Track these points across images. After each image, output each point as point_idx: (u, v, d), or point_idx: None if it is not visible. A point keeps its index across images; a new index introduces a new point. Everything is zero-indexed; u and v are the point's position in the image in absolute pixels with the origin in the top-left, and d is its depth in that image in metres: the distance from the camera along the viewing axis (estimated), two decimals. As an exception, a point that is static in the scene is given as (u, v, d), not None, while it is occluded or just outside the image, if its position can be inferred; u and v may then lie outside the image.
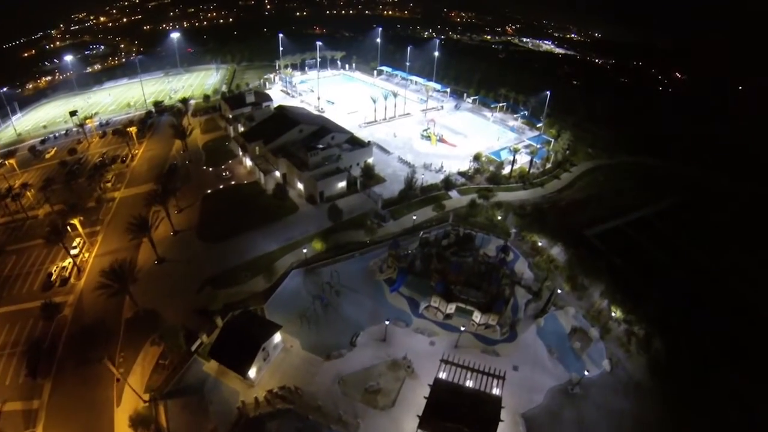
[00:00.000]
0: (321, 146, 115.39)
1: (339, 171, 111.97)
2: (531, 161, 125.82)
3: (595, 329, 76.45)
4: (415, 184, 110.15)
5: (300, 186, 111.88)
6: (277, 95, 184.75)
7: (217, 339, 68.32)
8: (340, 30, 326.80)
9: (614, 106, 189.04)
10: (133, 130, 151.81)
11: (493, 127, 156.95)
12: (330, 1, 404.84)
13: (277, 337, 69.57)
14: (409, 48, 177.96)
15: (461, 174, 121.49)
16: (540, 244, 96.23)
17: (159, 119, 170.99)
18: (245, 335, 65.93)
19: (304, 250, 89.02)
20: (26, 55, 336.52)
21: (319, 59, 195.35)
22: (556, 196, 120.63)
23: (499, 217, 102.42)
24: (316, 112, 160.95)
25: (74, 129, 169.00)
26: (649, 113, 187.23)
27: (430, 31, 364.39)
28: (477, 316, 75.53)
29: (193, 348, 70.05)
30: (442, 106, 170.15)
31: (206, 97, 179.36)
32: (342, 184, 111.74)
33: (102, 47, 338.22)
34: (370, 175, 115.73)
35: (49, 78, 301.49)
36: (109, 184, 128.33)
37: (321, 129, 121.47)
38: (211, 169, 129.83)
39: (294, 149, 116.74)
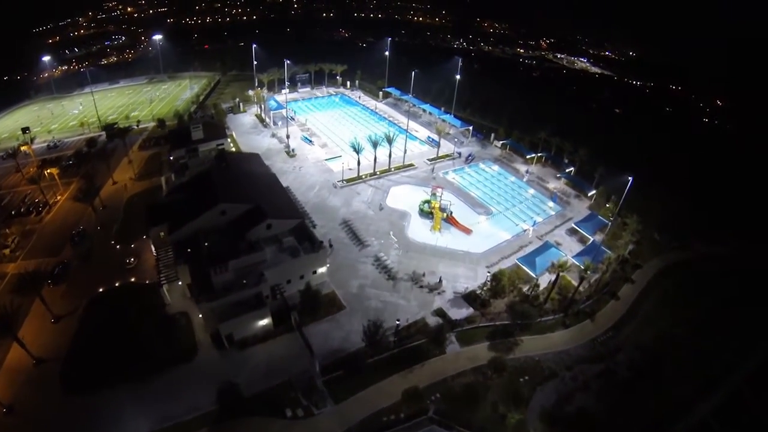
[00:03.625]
0: (251, 243, 65.72)
1: (261, 304, 58.38)
2: (582, 280, 68.81)
3: None
4: (382, 334, 55.82)
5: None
6: (250, 123, 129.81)
7: None
8: (364, 35, 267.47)
9: (668, 150, 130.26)
10: (54, 171, 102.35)
11: (527, 192, 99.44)
12: (359, 4, 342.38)
13: None
14: (413, 73, 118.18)
15: (468, 298, 66.23)
16: None
17: (107, 146, 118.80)
18: None
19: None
20: (51, 41, 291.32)
21: (287, 81, 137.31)
22: (611, 339, 66.89)
23: None
24: (284, 156, 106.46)
25: (19, 150, 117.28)
26: (710, 159, 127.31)
27: (461, 41, 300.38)
28: None
29: None
30: (459, 153, 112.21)
31: (161, 122, 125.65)
32: (264, 322, 58.65)
33: (123, 38, 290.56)
34: (313, 304, 61.52)
35: (65, 68, 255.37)
36: (7, 251, 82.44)
37: (253, 212, 68.29)
38: (119, 246, 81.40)
39: (204, 250, 64.19)
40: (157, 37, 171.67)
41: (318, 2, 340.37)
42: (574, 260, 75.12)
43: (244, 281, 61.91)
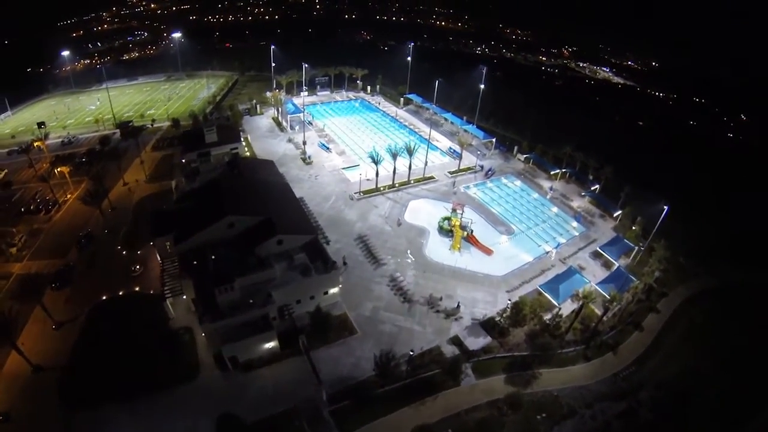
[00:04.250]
0: (260, 258, 63.01)
1: (267, 326, 54.88)
2: (606, 311, 64.26)
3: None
4: (395, 362, 52.07)
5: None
6: (266, 126, 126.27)
7: None
8: (386, 38, 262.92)
9: (694, 168, 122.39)
10: (65, 169, 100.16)
11: (551, 210, 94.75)
12: (381, 6, 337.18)
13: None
14: (437, 82, 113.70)
15: (486, 326, 62.02)
16: None
17: (120, 145, 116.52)
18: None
19: None
20: (74, 35, 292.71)
21: (305, 85, 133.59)
22: (634, 374, 62.58)
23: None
24: (300, 163, 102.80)
25: (32, 146, 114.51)
26: (736, 177, 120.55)
27: (483, 47, 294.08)
28: None
29: None
30: (481, 166, 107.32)
31: (175, 122, 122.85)
32: (270, 345, 54.85)
33: (146, 34, 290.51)
34: (322, 327, 57.84)
35: (87, 61, 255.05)
36: (14, 249, 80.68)
37: (263, 225, 64.43)
38: (125, 252, 78.60)
39: (210, 264, 60.86)
40: (177, 34, 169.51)
41: (340, 3, 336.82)
42: (598, 287, 70.44)
43: (251, 301, 58.29)
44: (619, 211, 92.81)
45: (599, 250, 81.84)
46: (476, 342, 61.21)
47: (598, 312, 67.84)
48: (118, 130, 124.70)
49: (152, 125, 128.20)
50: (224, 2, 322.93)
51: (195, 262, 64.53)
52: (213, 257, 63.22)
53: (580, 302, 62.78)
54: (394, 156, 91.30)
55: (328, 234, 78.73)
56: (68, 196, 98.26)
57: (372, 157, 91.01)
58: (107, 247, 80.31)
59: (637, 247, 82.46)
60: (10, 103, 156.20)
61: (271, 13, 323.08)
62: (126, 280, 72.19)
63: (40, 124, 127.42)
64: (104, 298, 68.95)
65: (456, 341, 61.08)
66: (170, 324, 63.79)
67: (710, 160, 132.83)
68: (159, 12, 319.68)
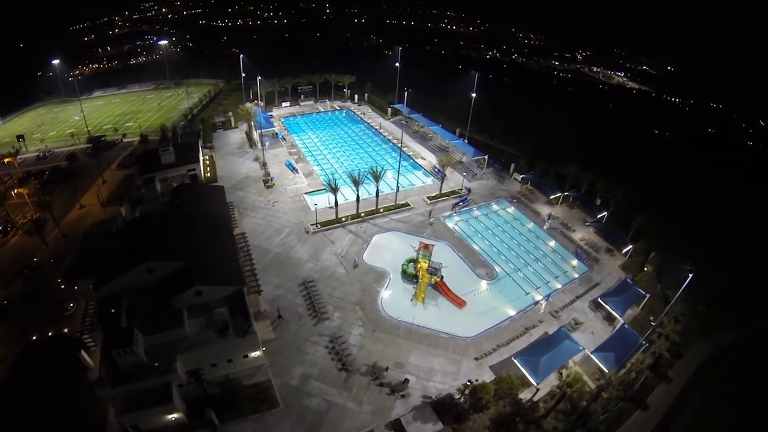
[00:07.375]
0: (173, 313, 53.16)
1: (167, 398, 44.89)
2: (600, 392, 52.04)
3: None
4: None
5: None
6: (237, 141, 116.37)
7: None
8: (394, 43, 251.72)
9: (714, 183, 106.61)
10: (23, 191, 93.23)
11: (547, 245, 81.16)
12: (391, 10, 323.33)
13: None
14: (406, 92, 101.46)
15: (440, 407, 50.64)
16: None
17: (89, 162, 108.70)
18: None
19: None
20: (86, 39, 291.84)
21: (260, 99, 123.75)
22: None
23: None
24: (261, 186, 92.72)
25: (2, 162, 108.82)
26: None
27: (494, 51, 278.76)
28: None
29: None
30: (468, 191, 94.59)
31: (143, 138, 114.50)
32: (173, 417, 44.76)
33: (154, 38, 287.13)
34: (234, 398, 47.55)
35: (96, 66, 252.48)
36: None
37: (182, 273, 53.87)
38: (63, 286, 70.65)
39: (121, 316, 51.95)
40: (164, 42, 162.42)
41: (350, 7, 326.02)
42: (594, 357, 57.77)
43: (156, 364, 48.41)
44: (630, 246, 78.91)
45: (601, 302, 67.79)
46: (422, 429, 49.31)
47: (590, 384, 55.70)
48: (90, 144, 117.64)
49: (121, 140, 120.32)
50: (234, 6, 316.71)
51: (113, 311, 55.70)
52: (126, 307, 54.39)
53: (563, 392, 50.22)
54: (356, 183, 79.60)
55: (271, 277, 67.43)
56: (27, 218, 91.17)
57: (329, 184, 79.49)
58: (49, 280, 72.89)
59: (648, 295, 69.04)
60: (7, 110, 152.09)
61: (280, 17, 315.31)
62: (57, 320, 64.83)
63: (20, 137, 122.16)
64: (34, 338, 62.08)
65: (397, 426, 49.37)
66: (88, 375, 54.74)
67: (733, 175, 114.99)
68: (170, 16, 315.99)
